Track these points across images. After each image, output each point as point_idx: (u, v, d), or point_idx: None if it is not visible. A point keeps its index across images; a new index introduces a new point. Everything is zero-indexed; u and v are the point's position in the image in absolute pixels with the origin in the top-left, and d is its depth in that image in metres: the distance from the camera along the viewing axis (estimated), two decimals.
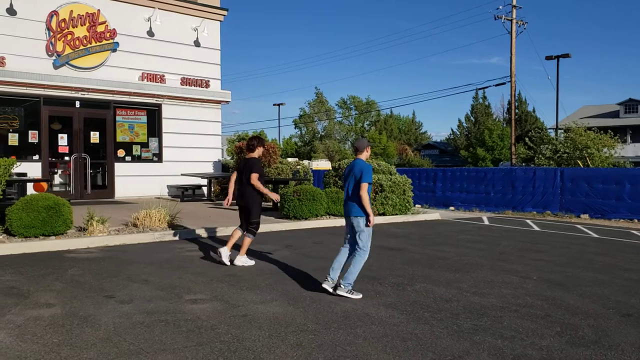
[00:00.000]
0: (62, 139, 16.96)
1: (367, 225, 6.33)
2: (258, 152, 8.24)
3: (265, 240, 10.33)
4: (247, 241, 8.08)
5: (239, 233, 8.19)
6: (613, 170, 17.75)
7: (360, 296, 6.21)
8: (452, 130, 62.18)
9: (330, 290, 6.26)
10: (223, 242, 10.07)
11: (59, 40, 16.66)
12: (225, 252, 7.96)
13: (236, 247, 8.18)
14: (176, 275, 7.17)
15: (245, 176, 7.98)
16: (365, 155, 6.59)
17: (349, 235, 6.56)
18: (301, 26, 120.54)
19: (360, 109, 64.88)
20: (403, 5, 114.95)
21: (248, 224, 8.12)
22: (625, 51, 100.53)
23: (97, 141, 17.59)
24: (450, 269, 8.00)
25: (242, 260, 7.98)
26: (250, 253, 8.99)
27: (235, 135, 31.44)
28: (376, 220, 13.90)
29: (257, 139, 8.35)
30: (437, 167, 31.19)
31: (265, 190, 8.01)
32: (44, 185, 15.30)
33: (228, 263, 7.89)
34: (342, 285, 6.24)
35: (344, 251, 6.54)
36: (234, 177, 8.32)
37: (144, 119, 18.65)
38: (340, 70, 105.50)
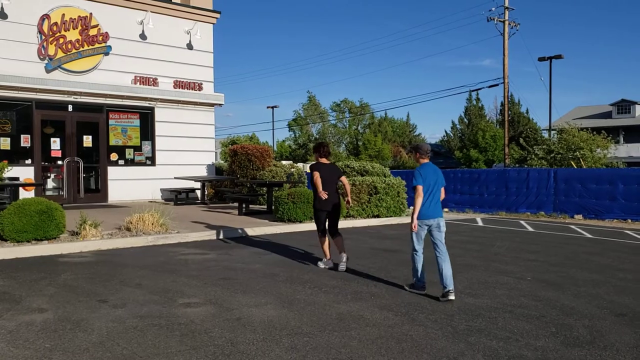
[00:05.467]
0: (55, 143, 16.88)
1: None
2: (315, 157, 8.42)
3: (260, 243, 10.30)
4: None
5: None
6: (606, 171, 17.82)
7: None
8: (445, 132, 62.42)
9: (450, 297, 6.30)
10: (216, 246, 10.04)
11: (51, 44, 16.59)
12: (342, 258, 7.94)
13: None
14: (170, 279, 7.13)
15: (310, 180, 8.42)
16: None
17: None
18: (294, 29, 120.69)
19: (354, 112, 64.90)
20: (395, 8, 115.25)
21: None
22: (617, 52, 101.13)
23: (90, 145, 17.52)
24: None
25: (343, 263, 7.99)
26: (244, 256, 8.96)
27: (228, 139, 31.37)
28: (371, 222, 14.01)
29: (314, 146, 8.64)
30: None
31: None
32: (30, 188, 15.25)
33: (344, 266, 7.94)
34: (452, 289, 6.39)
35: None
36: None
37: (137, 122, 18.58)
38: (334, 73, 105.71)
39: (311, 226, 12.57)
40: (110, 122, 17.98)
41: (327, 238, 8.17)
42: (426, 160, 6.72)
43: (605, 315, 5.72)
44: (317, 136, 63.64)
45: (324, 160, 8.28)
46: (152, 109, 18.74)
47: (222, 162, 24.20)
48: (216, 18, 20.38)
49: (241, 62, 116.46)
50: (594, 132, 24.40)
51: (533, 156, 24.62)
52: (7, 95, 15.92)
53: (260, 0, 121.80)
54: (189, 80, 19.39)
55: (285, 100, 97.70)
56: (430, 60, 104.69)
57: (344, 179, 8.37)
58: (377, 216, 14.30)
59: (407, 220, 14.87)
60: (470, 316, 5.60)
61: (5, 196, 12.37)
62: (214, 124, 20.65)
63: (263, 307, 5.83)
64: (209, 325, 5.17)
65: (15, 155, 16.12)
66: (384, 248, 9.97)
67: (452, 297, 6.24)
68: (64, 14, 16.81)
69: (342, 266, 7.85)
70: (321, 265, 8.11)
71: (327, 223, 8.21)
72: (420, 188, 6.47)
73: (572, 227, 14.19)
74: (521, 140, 28.14)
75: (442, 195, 6.72)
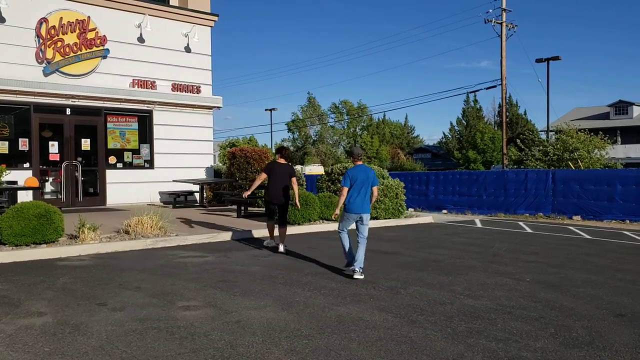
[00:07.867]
0: (53, 147, 16.85)
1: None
2: (276, 157, 9.93)
3: (259, 246, 10.29)
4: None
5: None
6: (604, 172, 17.83)
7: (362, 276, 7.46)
8: (444, 133, 62.38)
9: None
10: (215, 249, 10.04)
11: (49, 48, 16.58)
12: (281, 247, 9.53)
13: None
14: (169, 282, 7.12)
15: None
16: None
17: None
18: (292, 31, 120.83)
19: (352, 113, 64.94)
20: (393, 10, 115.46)
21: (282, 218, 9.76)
22: (615, 53, 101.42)
23: (89, 148, 17.50)
24: (444, 271, 8.00)
25: (282, 248, 9.58)
26: (243, 258, 8.96)
27: (226, 141, 31.29)
28: (370, 224, 13.95)
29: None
30: (430, 171, 31.24)
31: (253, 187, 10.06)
32: (34, 182, 15.19)
33: (283, 249, 9.48)
34: (358, 270, 7.44)
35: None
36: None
37: (135, 125, 18.57)
38: (331, 75, 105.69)
39: (310, 228, 12.65)
40: (109, 125, 17.97)
41: (273, 224, 9.81)
42: (360, 162, 7.89)
43: (604, 316, 5.73)
44: (315, 138, 63.64)
45: (281, 161, 9.72)
46: (150, 112, 18.73)
47: (220, 164, 24.16)
48: (214, 21, 20.38)
49: (239, 65, 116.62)
50: (592, 133, 24.41)
51: (530, 157, 24.66)
52: (5, 99, 15.90)
53: (258, 3, 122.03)
54: (187, 83, 19.38)
55: (284, 102, 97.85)
56: (428, 62, 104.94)
57: (293, 180, 9.71)
58: (376, 218, 14.29)
59: (406, 222, 14.92)
60: (469, 317, 5.60)
61: (4, 200, 12.36)
62: (212, 127, 20.67)
63: (262, 310, 5.83)
64: (208, 328, 5.16)
65: (14, 159, 16.09)
66: (382, 250, 9.97)
67: (357, 276, 7.35)
68: (61, 18, 16.80)
69: (282, 248, 9.48)
70: (265, 242, 10.11)
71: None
72: (345, 189, 7.63)
73: (571, 228, 14.21)
74: (518, 141, 28.14)
75: (375, 194, 7.82)
